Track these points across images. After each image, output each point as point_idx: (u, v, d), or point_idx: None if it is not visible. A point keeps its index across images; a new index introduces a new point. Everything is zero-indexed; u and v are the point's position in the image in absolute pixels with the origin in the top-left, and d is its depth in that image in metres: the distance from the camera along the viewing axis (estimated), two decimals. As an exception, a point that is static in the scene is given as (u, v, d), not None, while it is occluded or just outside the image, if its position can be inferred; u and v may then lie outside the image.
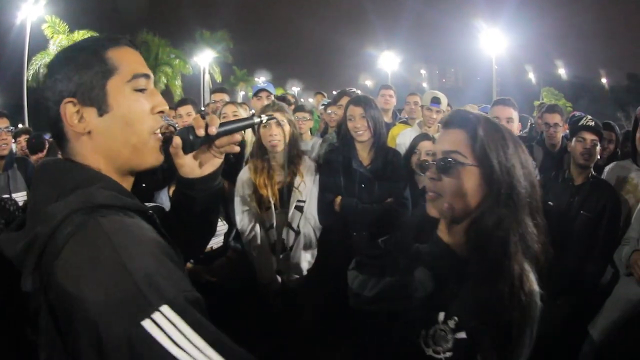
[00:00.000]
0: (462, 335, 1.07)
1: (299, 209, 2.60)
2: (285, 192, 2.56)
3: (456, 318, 1.09)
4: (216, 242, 2.59)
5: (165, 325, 0.70)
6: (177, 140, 1.01)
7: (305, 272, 2.61)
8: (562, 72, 44.62)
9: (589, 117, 2.93)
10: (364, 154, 2.68)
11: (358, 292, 1.28)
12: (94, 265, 0.72)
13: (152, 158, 0.96)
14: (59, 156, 0.98)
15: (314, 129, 4.66)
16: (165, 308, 0.70)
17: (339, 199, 2.58)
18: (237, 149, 1.10)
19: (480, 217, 1.06)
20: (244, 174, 2.65)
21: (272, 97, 3.91)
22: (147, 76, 0.94)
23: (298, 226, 2.59)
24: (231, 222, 2.67)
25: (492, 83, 21.70)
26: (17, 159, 3.50)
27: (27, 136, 5.00)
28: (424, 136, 3.01)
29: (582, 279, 2.67)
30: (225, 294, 2.33)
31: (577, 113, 3.29)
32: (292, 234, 2.59)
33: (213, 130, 1.01)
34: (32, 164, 3.77)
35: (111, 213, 0.80)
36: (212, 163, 1.11)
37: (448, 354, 1.08)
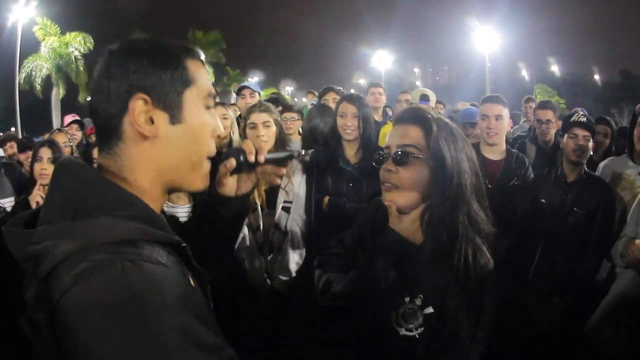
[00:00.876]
0: (430, 310, 1.18)
1: (286, 209, 2.56)
2: (272, 193, 2.51)
3: (421, 296, 1.19)
4: None
5: None
6: (232, 162, 1.02)
7: (294, 274, 2.57)
8: (555, 69, 44.87)
9: (581, 112, 2.89)
10: (351, 153, 2.66)
11: (324, 290, 1.39)
12: (99, 330, 0.60)
13: (202, 181, 0.89)
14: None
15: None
16: None
17: (326, 198, 2.56)
18: (279, 181, 1.15)
19: (433, 205, 1.17)
20: None
21: (257, 95, 3.86)
22: (215, 97, 0.91)
23: (285, 227, 2.54)
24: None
25: (485, 81, 21.74)
26: (4, 164, 3.48)
27: (14, 143, 4.90)
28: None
29: (576, 277, 2.64)
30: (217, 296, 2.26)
31: (580, 110, 3.24)
32: (279, 235, 2.55)
33: (262, 158, 1.04)
34: (19, 169, 3.74)
35: (138, 253, 0.68)
36: (247, 186, 1.11)
37: (420, 330, 1.17)
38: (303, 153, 1.15)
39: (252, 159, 1.02)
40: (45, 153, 2.62)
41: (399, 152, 1.18)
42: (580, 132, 2.73)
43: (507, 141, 3.06)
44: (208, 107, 0.87)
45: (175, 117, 0.81)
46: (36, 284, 0.67)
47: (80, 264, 0.64)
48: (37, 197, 2.48)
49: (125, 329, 0.60)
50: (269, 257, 2.56)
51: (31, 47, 19.07)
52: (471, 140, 4.20)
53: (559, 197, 2.77)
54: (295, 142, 3.59)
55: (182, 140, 0.82)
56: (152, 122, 0.79)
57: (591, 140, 2.76)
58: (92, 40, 19.56)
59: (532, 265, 2.77)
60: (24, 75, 18.49)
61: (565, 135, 2.79)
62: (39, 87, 19.11)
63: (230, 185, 1.08)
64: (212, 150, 0.89)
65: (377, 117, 4.57)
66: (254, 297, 2.56)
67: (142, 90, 0.78)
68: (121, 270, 0.63)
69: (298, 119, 3.69)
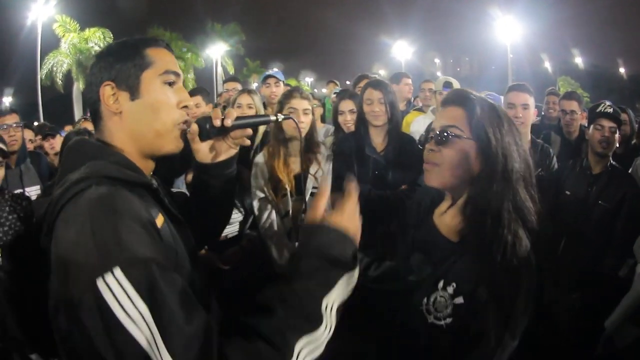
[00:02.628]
0: (460, 300, 1.14)
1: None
2: (302, 179, 2.53)
3: (454, 284, 1.16)
4: (231, 231, 2.57)
5: (115, 287, 0.76)
6: (194, 127, 1.13)
7: None
8: (578, 60, 43.63)
9: (608, 103, 2.85)
10: (378, 140, 2.65)
11: (364, 272, 1.37)
12: (68, 227, 0.83)
13: (172, 145, 1.07)
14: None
15: (326, 117, 4.63)
16: (117, 271, 0.76)
17: None
18: (248, 142, 1.20)
19: (477, 190, 1.14)
20: (260, 160, 2.62)
21: (281, 84, 3.87)
22: (176, 74, 1.07)
23: None
24: (247, 211, 2.65)
25: (507, 72, 21.33)
26: (30, 153, 3.52)
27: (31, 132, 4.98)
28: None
29: (599, 270, 2.61)
30: (238, 281, 2.31)
31: (606, 101, 3.17)
32: None
33: (228, 122, 1.13)
34: (45, 159, 3.81)
35: (109, 184, 0.89)
36: (227, 152, 1.21)
37: (448, 320, 1.14)
38: (279, 118, 1.23)
39: (217, 123, 1.12)
40: None
41: (440, 132, 1.18)
42: (607, 124, 2.69)
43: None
44: (169, 83, 1.06)
45: (134, 94, 1.02)
46: (47, 231, 0.88)
47: (69, 194, 0.86)
48: None
49: (80, 225, 0.81)
50: (296, 243, 2.54)
51: (51, 44, 19.47)
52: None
53: (584, 190, 2.73)
54: (319, 129, 3.58)
55: (142, 111, 1.03)
56: (118, 101, 1.02)
57: (617, 132, 2.71)
58: (112, 35, 19.83)
59: (554, 258, 2.73)
60: (45, 71, 18.89)
61: (591, 127, 2.75)
62: (60, 82, 19.51)
63: (205, 152, 1.19)
64: (178, 118, 1.06)
65: (401, 107, 4.54)
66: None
67: (108, 78, 1.02)
68: (88, 192, 0.86)
69: (319, 106, 3.68)
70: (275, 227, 2.54)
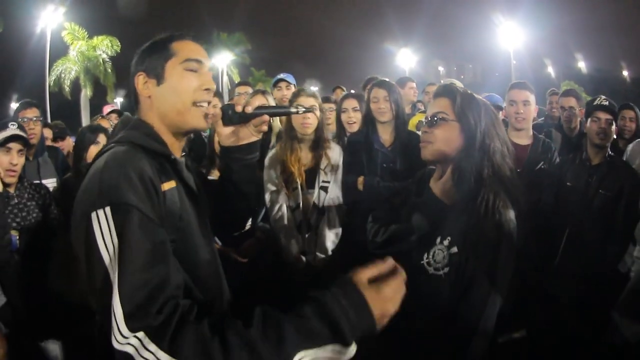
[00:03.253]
0: (454, 249, 1.40)
1: (324, 189, 2.67)
2: (312, 174, 2.66)
3: (449, 237, 1.42)
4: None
5: (102, 221, 0.96)
6: (217, 111, 1.31)
7: (330, 252, 2.67)
8: (582, 65, 43.54)
9: (603, 97, 2.95)
10: (385, 136, 2.78)
11: (372, 240, 1.71)
12: (88, 175, 1.07)
13: (194, 122, 1.22)
14: None
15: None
16: (107, 209, 0.96)
17: (361, 178, 2.66)
18: (265, 127, 1.35)
19: (461, 159, 1.44)
20: (272, 154, 2.74)
21: (292, 87, 3.96)
22: (199, 61, 1.23)
23: (323, 206, 2.66)
24: (258, 204, 2.72)
25: (510, 78, 21.41)
26: (48, 147, 3.63)
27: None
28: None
29: (603, 260, 2.66)
30: (255, 272, 2.40)
31: (603, 97, 3.27)
32: (317, 214, 2.67)
33: (249, 109, 1.29)
34: (62, 153, 3.95)
35: (130, 146, 1.11)
36: (249, 138, 1.36)
37: (446, 269, 1.40)
38: (300, 110, 1.38)
39: (239, 109, 1.29)
40: (92, 148, 2.82)
41: (431, 118, 1.49)
42: (603, 116, 2.79)
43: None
44: (192, 70, 1.21)
45: (160, 80, 1.20)
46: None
47: (106, 148, 1.13)
48: None
49: (94, 172, 1.05)
50: (306, 235, 2.67)
51: (60, 51, 19.68)
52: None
53: (584, 180, 2.82)
54: (332, 132, 3.65)
55: (166, 94, 1.20)
56: (148, 87, 1.21)
57: (614, 123, 2.82)
58: (119, 44, 20.08)
59: (558, 249, 2.80)
60: (53, 77, 19.10)
61: (589, 120, 2.85)
62: (67, 89, 19.72)
63: (226, 135, 1.35)
64: (198, 98, 1.21)
65: (406, 110, 4.63)
66: (288, 273, 2.67)
67: (141, 70, 1.21)
68: (109, 152, 1.09)
69: (334, 110, 3.73)
70: (286, 220, 2.65)
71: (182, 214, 1.12)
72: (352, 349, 0.91)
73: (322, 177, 2.65)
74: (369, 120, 2.82)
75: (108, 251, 0.93)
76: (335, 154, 2.73)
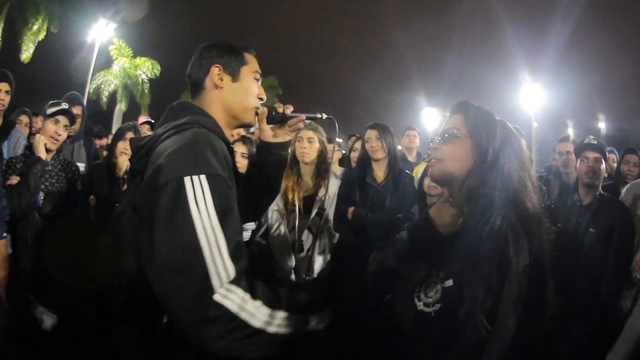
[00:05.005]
0: (450, 282, 1.20)
1: (320, 215, 2.92)
2: (310, 200, 2.92)
3: (446, 269, 1.24)
4: (244, 236, 2.88)
5: (197, 187, 1.06)
6: (264, 110, 1.59)
7: (315, 274, 2.88)
8: (602, 126, 43.24)
9: (592, 136, 2.97)
10: (379, 173, 3.08)
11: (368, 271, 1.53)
12: (173, 144, 1.16)
13: (250, 118, 1.49)
14: None
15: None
16: (203, 177, 1.08)
17: (351, 209, 2.93)
18: (301, 125, 1.64)
19: (471, 178, 1.27)
20: None
21: None
22: (261, 74, 1.51)
23: (317, 231, 2.90)
24: (259, 222, 3.03)
25: (531, 140, 21.44)
26: (85, 138, 4.12)
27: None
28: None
29: (596, 301, 2.59)
30: None
31: (591, 136, 3.18)
32: (310, 237, 2.90)
33: (288, 111, 1.59)
34: (95, 145, 4.51)
35: (206, 130, 1.27)
36: (284, 137, 1.66)
37: (437, 306, 1.19)
38: (323, 116, 1.63)
39: (280, 109, 1.59)
40: (129, 134, 3.21)
41: (443, 133, 1.35)
42: (591, 155, 2.79)
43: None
44: (256, 79, 1.49)
45: (235, 78, 1.43)
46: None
47: (180, 127, 1.24)
48: (124, 163, 3.00)
49: (184, 142, 1.16)
50: (298, 256, 2.89)
51: (104, 63, 20.62)
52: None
53: (575, 220, 2.78)
54: (336, 172, 3.91)
55: (237, 91, 1.44)
56: (222, 80, 1.41)
57: (603, 162, 2.79)
58: (159, 67, 21.00)
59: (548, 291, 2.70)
60: (94, 86, 19.95)
61: (578, 160, 2.86)
62: (105, 100, 20.52)
63: (268, 132, 1.63)
64: (256, 102, 1.48)
65: (412, 158, 4.95)
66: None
67: (219, 63, 1.42)
68: (192, 130, 1.22)
69: (338, 150, 4.06)
70: (282, 239, 2.90)
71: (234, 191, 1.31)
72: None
73: (319, 204, 2.91)
74: (365, 158, 3.11)
75: (200, 212, 1.03)
76: (334, 186, 3.00)
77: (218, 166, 1.13)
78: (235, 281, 1.04)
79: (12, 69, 3.51)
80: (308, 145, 2.92)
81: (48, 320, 2.64)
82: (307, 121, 1.64)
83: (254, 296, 1.06)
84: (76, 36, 18.90)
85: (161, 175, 1.08)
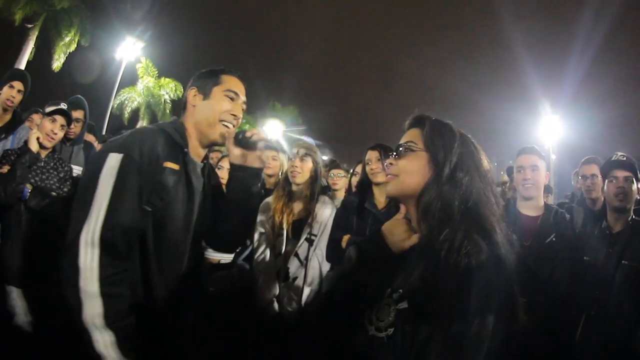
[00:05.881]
0: (404, 305, 1.10)
1: (310, 242, 2.68)
2: (300, 225, 2.69)
3: (400, 290, 1.13)
4: (226, 258, 2.74)
5: (110, 159, 1.40)
6: (231, 131, 1.65)
7: (302, 304, 2.62)
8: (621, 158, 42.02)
9: (620, 153, 2.59)
10: (380, 198, 2.77)
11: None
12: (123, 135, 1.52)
13: (215, 135, 1.62)
14: None
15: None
16: (115, 153, 1.41)
17: (347, 236, 2.63)
18: (264, 159, 1.66)
19: (427, 192, 1.19)
20: (269, 199, 2.83)
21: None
22: (236, 93, 1.64)
23: (305, 258, 2.65)
24: (244, 244, 2.81)
25: (550, 172, 20.87)
26: (85, 142, 4.07)
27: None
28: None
29: (632, 345, 2.23)
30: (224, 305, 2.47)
31: (620, 153, 2.76)
32: (298, 265, 2.66)
33: (254, 137, 1.62)
34: (95, 149, 4.37)
35: (158, 129, 1.55)
36: (254, 163, 1.65)
37: (390, 330, 1.09)
38: (290, 154, 1.54)
39: (248, 134, 1.62)
40: None
41: (398, 147, 1.29)
42: (621, 174, 2.44)
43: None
44: (230, 98, 1.63)
45: (205, 97, 1.63)
46: None
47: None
48: None
49: (127, 134, 1.52)
50: (283, 284, 2.65)
51: (130, 80, 21.22)
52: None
53: (604, 252, 2.41)
54: (339, 198, 3.63)
55: (205, 107, 1.62)
56: (195, 99, 1.63)
57: (634, 182, 2.43)
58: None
59: (574, 337, 2.39)
60: (117, 101, 20.46)
61: (606, 181, 2.50)
62: (127, 116, 21.02)
63: (235, 154, 1.64)
64: (225, 119, 1.62)
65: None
66: (260, 319, 2.63)
67: (195, 86, 1.65)
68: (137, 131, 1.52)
69: (344, 176, 3.89)
70: (267, 264, 2.66)
71: (170, 190, 1.47)
72: None
73: (308, 229, 2.68)
74: (365, 181, 2.84)
75: (106, 182, 1.36)
76: (326, 210, 2.78)
77: (135, 147, 1.42)
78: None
79: (43, 76, 3.62)
80: (300, 164, 2.71)
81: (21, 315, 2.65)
82: (270, 145, 1.67)
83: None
84: (105, 51, 19.57)
85: (97, 159, 1.44)
